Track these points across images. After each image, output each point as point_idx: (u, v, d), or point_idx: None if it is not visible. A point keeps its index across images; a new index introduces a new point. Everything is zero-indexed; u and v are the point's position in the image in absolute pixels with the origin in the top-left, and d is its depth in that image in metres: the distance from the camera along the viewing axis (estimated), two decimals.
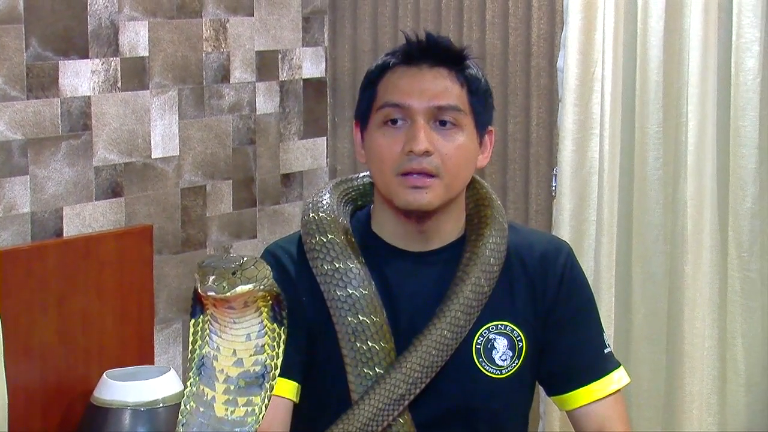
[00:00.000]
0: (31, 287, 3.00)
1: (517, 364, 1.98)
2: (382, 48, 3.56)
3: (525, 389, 2.03)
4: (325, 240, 1.93)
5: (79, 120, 3.15)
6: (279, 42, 3.64)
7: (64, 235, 3.13)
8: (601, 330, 2.06)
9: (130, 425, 2.97)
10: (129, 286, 3.22)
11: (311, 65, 3.74)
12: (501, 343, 1.97)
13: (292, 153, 3.71)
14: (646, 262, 3.15)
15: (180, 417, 1.57)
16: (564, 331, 2.01)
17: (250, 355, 1.56)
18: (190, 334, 1.58)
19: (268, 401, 1.58)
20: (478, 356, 1.95)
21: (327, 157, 3.82)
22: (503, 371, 1.97)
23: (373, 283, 1.92)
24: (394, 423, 1.89)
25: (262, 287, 1.54)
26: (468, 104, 1.92)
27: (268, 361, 1.56)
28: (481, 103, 1.95)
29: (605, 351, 2.04)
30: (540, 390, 2.13)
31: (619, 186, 3.12)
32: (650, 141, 3.11)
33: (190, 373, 1.57)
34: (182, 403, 1.57)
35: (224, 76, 3.49)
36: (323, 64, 3.78)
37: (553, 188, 3.17)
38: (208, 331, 1.56)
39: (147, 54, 3.29)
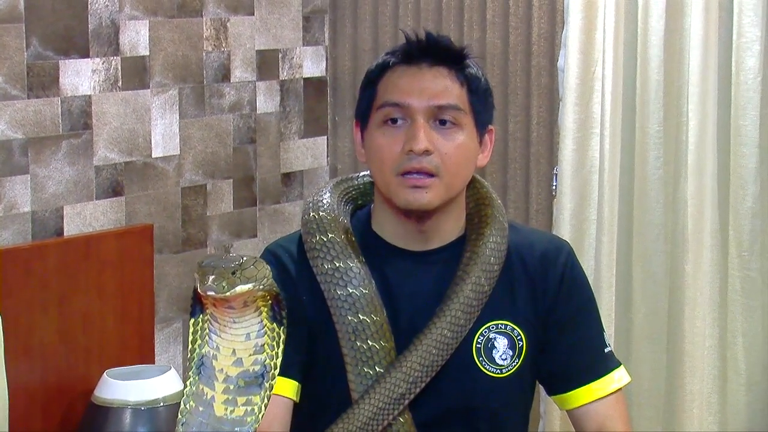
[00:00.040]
0: (32, 286, 3.00)
1: (517, 363, 1.97)
2: (382, 47, 3.56)
3: (525, 388, 2.03)
4: (325, 239, 1.93)
5: (80, 119, 3.15)
6: (279, 41, 3.64)
7: (65, 234, 3.13)
8: (601, 329, 2.06)
9: (130, 424, 2.97)
10: (129, 286, 3.22)
11: (312, 64, 3.74)
12: (501, 343, 1.97)
13: (293, 152, 3.71)
14: (646, 262, 3.15)
15: (179, 416, 1.57)
16: (564, 331, 2.01)
17: (250, 355, 1.56)
18: (190, 334, 1.58)
19: (268, 401, 1.58)
20: (479, 355, 1.95)
21: (327, 157, 3.82)
22: (503, 370, 1.97)
23: (373, 282, 1.92)
24: (394, 422, 1.89)
25: (261, 287, 1.54)
26: (468, 103, 1.92)
27: (268, 360, 1.56)
28: (481, 102, 1.95)
29: (605, 350, 2.04)
30: (540, 389, 2.13)
31: (619, 185, 3.12)
32: (651, 140, 3.11)
33: (190, 373, 1.57)
34: (182, 403, 1.57)
35: (225, 75, 3.49)
36: (324, 64, 3.78)
37: (554, 187, 3.17)
38: (207, 330, 1.56)
39: (147, 53, 3.29)
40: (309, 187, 3.73)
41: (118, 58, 3.22)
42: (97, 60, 3.17)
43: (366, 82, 1.97)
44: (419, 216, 1.94)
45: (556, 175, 3.13)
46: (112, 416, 2.98)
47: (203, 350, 1.56)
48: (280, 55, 3.65)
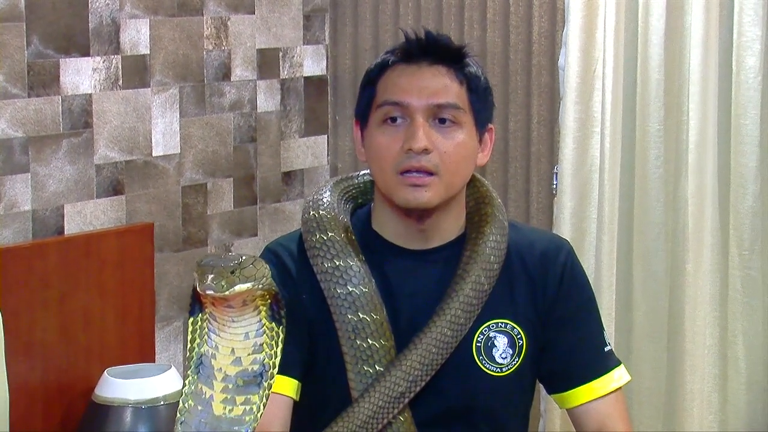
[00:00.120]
0: (32, 285, 3.00)
1: (517, 362, 1.98)
2: (382, 46, 3.56)
3: (525, 387, 2.03)
4: (325, 238, 1.93)
5: (80, 118, 3.15)
6: (280, 40, 3.64)
7: (65, 233, 3.13)
8: (601, 328, 2.06)
9: (131, 423, 2.97)
10: (130, 284, 3.22)
11: (312, 63, 3.74)
12: (501, 341, 1.97)
13: (293, 151, 3.71)
14: (647, 260, 3.15)
15: (178, 415, 1.57)
16: (564, 330, 2.01)
17: (249, 354, 1.56)
18: (189, 333, 1.58)
19: (266, 400, 1.58)
20: (479, 354, 1.95)
21: (328, 155, 3.82)
22: (503, 369, 1.97)
23: (373, 280, 1.92)
24: (394, 421, 1.89)
25: (260, 286, 1.54)
26: (467, 102, 1.92)
27: (267, 360, 1.56)
28: (480, 100, 1.95)
29: (605, 349, 2.04)
30: (540, 388, 2.13)
31: (620, 184, 3.12)
32: (651, 139, 3.11)
33: (189, 372, 1.57)
34: (180, 402, 1.58)
35: (225, 74, 3.49)
36: (324, 62, 3.78)
37: (554, 186, 3.17)
38: (206, 329, 1.56)
39: (148, 52, 3.29)
40: (309, 186, 3.73)
41: (119, 56, 3.22)
42: (98, 59, 3.17)
43: (366, 81, 1.97)
44: (419, 215, 1.94)
45: (557, 173, 3.13)
46: (112, 415, 2.98)
47: (202, 349, 1.56)
48: (280, 54, 3.65)
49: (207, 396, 1.56)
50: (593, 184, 3.09)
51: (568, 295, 2.01)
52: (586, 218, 3.10)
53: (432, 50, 1.93)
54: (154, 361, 3.30)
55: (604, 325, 2.08)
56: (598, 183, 3.08)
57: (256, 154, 3.60)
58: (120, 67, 3.22)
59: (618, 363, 2.04)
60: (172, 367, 3.11)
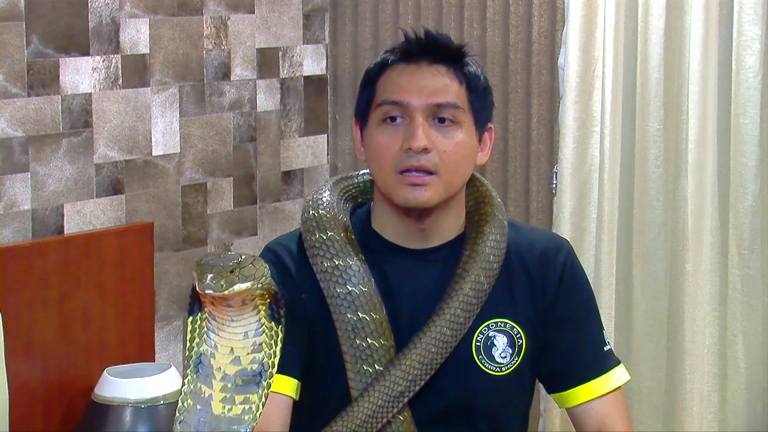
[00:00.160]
0: (32, 284, 3.00)
1: (516, 361, 1.98)
2: (382, 45, 3.56)
3: (525, 387, 2.03)
4: (324, 237, 1.93)
5: (80, 117, 3.15)
6: (280, 39, 3.64)
7: (65, 232, 3.13)
8: (601, 327, 2.06)
9: (131, 422, 2.97)
10: (130, 284, 3.22)
11: (312, 62, 3.74)
12: (501, 341, 1.97)
13: (293, 150, 3.71)
14: (646, 260, 3.15)
15: (177, 414, 1.57)
16: (564, 329, 2.01)
17: (248, 354, 1.56)
18: (188, 332, 1.58)
19: (266, 399, 1.58)
20: (478, 353, 1.95)
21: (328, 155, 3.82)
22: (503, 368, 1.97)
23: (372, 280, 1.92)
24: (393, 420, 1.89)
25: (260, 285, 1.54)
26: (467, 101, 1.92)
27: (266, 359, 1.56)
28: (480, 100, 1.95)
29: (605, 348, 2.04)
30: (540, 387, 2.13)
31: (619, 183, 3.12)
32: (651, 138, 3.11)
33: (188, 371, 1.58)
34: (179, 401, 1.58)
35: (225, 73, 3.50)
36: (324, 62, 3.78)
37: (554, 186, 3.17)
38: (205, 328, 1.56)
39: (148, 51, 3.29)
40: (309, 186, 3.73)
41: (119, 56, 3.22)
42: (98, 58, 3.17)
43: (365, 80, 1.97)
44: (419, 214, 1.94)
45: (556, 173, 3.14)
46: (112, 414, 2.98)
47: (201, 348, 1.56)
48: (280, 54, 3.65)
49: (206, 395, 1.56)
50: (593, 183, 3.09)
51: (567, 295, 2.01)
52: (585, 217, 3.10)
53: (431, 50, 1.93)
54: (153, 361, 3.30)
55: (604, 325, 2.08)
56: (597, 182, 3.09)
57: (255, 154, 3.60)
58: (120, 66, 3.22)
59: (617, 362, 2.04)
60: (172, 366, 3.11)
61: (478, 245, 1.95)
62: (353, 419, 1.85)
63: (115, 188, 3.24)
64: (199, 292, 1.52)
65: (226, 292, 1.50)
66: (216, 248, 3.51)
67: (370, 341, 1.88)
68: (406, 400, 1.89)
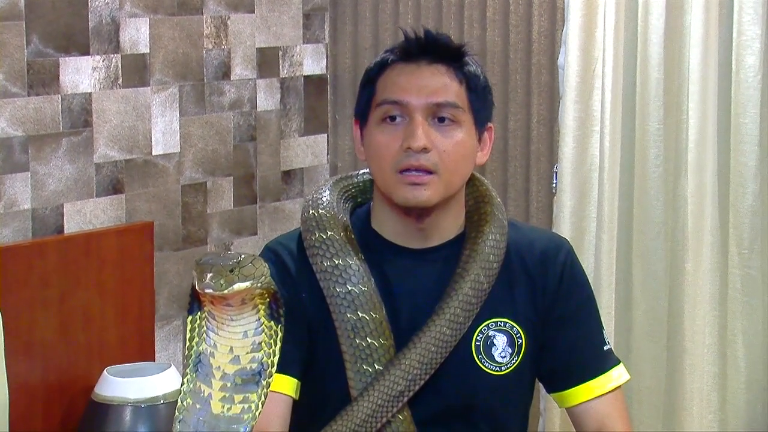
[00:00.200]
0: (32, 284, 3.00)
1: (516, 361, 1.98)
2: (382, 45, 3.56)
3: (524, 386, 2.03)
4: (324, 237, 1.93)
5: (80, 117, 3.15)
6: (280, 39, 3.64)
7: (65, 231, 3.13)
8: (600, 327, 2.06)
9: (130, 422, 2.97)
10: (130, 283, 3.22)
11: (312, 62, 3.74)
12: (500, 340, 1.97)
13: (293, 150, 3.71)
14: (646, 260, 3.15)
15: (177, 413, 1.58)
16: (564, 329, 2.01)
17: (247, 353, 1.56)
18: (188, 331, 1.58)
19: (265, 398, 1.58)
20: (478, 353, 1.95)
21: (327, 154, 3.82)
22: (502, 368, 1.97)
23: (372, 279, 1.92)
24: (393, 419, 1.89)
25: (259, 285, 1.54)
26: (467, 101, 1.92)
27: (265, 358, 1.56)
28: (480, 99, 1.95)
29: (605, 348, 2.04)
30: (540, 387, 2.13)
31: (619, 183, 3.12)
32: (651, 138, 3.11)
33: (187, 370, 1.58)
34: (179, 400, 1.58)
35: (225, 72, 3.50)
36: (324, 61, 3.78)
37: (554, 185, 3.17)
38: (205, 328, 1.56)
39: (148, 51, 3.29)
40: (309, 185, 3.73)
41: (119, 55, 3.22)
42: (98, 57, 3.17)
43: (365, 80, 1.97)
44: (418, 213, 1.94)
45: (556, 173, 3.14)
46: (112, 414, 2.98)
47: (201, 348, 1.56)
48: (280, 53, 3.65)
49: (205, 394, 1.56)
50: (593, 183, 3.09)
51: (567, 294, 2.02)
52: (585, 217, 3.10)
53: (431, 49, 1.93)
54: (153, 360, 3.30)
55: (604, 324, 2.08)
56: (597, 182, 3.09)
57: (255, 153, 3.60)
58: (120, 66, 3.22)
59: (617, 362, 2.04)
60: (172, 365, 3.11)
61: (478, 245, 1.95)
62: (353, 419, 1.85)
63: (115, 188, 3.24)
64: (199, 291, 1.52)
65: (226, 291, 1.50)
66: (216, 248, 3.51)
67: (369, 341, 1.88)
68: (405, 399, 1.89)
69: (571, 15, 3.06)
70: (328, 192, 2.00)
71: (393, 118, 1.91)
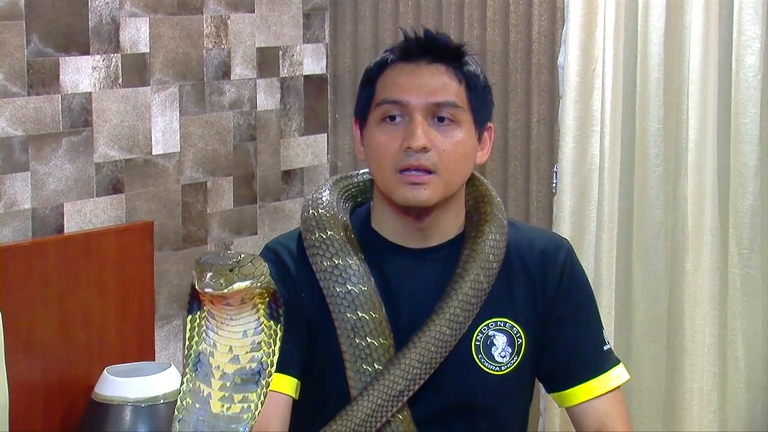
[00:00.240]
0: (32, 284, 3.00)
1: (516, 360, 1.98)
2: (382, 45, 3.56)
3: (524, 386, 2.03)
4: (324, 236, 1.93)
5: (80, 116, 3.15)
6: (280, 38, 3.64)
7: (65, 231, 3.13)
8: (600, 327, 2.06)
9: (130, 421, 2.97)
10: (130, 283, 3.22)
11: (312, 62, 3.74)
12: (500, 340, 1.97)
13: (293, 149, 3.71)
14: (646, 259, 3.15)
15: (176, 413, 1.57)
16: (563, 328, 2.01)
17: (247, 352, 1.56)
18: (187, 330, 1.58)
19: (264, 398, 1.58)
20: (478, 353, 1.95)
21: (328, 154, 3.82)
22: (502, 368, 1.97)
23: (372, 279, 1.92)
24: (393, 419, 1.89)
25: (259, 284, 1.54)
26: (466, 100, 1.92)
27: (264, 358, 1.56)
28: (479, 99, 1.95)
29: (605, 348, 2.04)
30: (540, 387, 2.13)
31: (619, 183, 3.13)
32: (651, 138, 3.11)
33: (187, 369, 1.57)
34: (178, 399, 1.58)
35: (225, 72, 3.50)
36: (324, 61, 3.78)
37: (554, 185, 3.17)
38: (204, 327, 1.56)
39: (148, 50, 3.29)
40: (309, 185, 3.73)
41: (119, 55, 3.22)
42: (98, 57, 3.17)
43: (365, 79, 1.97)
44: (418, 213, 1.94)
45: (556, 172, 3.14)
46: (112, 413, 2.98)
47: (200, 347, 1.56)
48: (280, 53, 3.65)
49: (205, 394, 1.56)
50: (593, 182, 3.09)
51: (567, 294, 2.01)
52: (585, 217, 3.10)
53: (431, 49, 1.93)
54: (153, 360, 3.30)
55: (604, 324, 2.08)
56: (597, 182, 3.09)
57: (255, 153, 3.60)
58: (120, 65, 3.22)
59: (617, 362, 2.04)
60: (172, 365, 3.11)
61: (478, 244, 1.95)
62: (353, 418, 1.85)
63: (115, 187, 3.24)
64: (199, 290, 1.52)
65: (226, 290, 1.50)
66: (216, 247, 3.51)
67: (369, 340, 1.88)
68: (405, 399, 1.89)
69: (571, 15, 3.06)
70: (328, 192, 2.00)
71: (393, 118, 1.91)
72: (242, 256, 1.53)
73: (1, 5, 2.96)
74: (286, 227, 3.57)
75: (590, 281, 2.11)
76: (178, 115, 3.38)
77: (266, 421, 1.86)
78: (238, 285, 1.51)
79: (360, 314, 1.89)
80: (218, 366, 1.55)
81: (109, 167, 3.22)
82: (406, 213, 1.94)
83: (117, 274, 3.19)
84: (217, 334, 1.55)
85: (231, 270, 1.50)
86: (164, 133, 3.35)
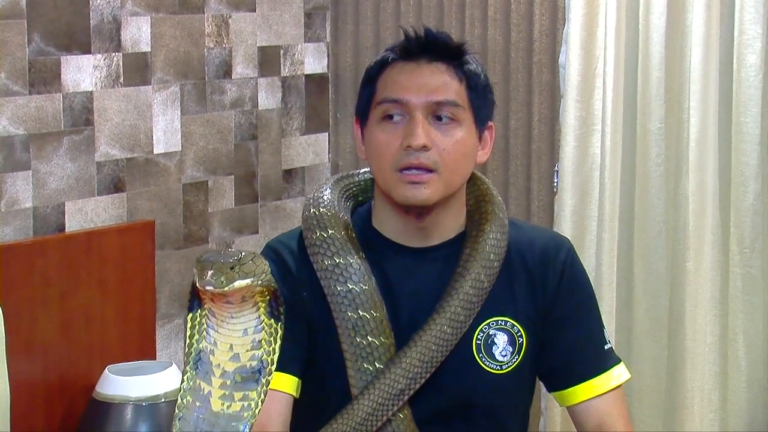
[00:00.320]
0: (33, 282, 3.00)
1: (517, 359, 1.98)
2: (383, 44, 3.56)
3: (525, 385, 2.03)
4: (325, 235, 1.93)
5: (81, 115, 3.15)
6: (281, 37, 3.64)
7: (66, 230, 3.14)
8: (601, 326, 2.06)
9: (131, 420, 2.97)
10: (131, 282, 3.22)
11: (313, 61, 3.74)
12: (501, 339, 1.97)
13: (294, 149, 3.72)
14: (647, 258, 3.15)
15: (177, 411, 1.58)
16: (564, 327, 2.01)
17: (247, 350, 1.56)
18: (188, 329, 1.58)
19: (265, 396, 1.58)
20: (478, 352, 1.95)
21: (329, 153, 3.82)
22: (503, 367, 1.97)
23: (373, 278, 1.92)
24: (393, 418, 1.89)
25: (260, 282, 1.54)
26: (467, 99, 1.92)
27: (265, 356, 1.56)
28: (480, 98, 1.95)
29: (605, 347, 2.04)
30: (541, 386, 2.14)
31: (620, 182, 3.12)
32: (652, 137, 3.11)
33: (187, 368, 1.58)
34: (179, 398, 1.58)
35: (226, 71, 3.50)
36: (325, 60, 3.78)
37: (555, 184, 3.17)
38: (205, 325, 1.56)
39: (149, 49, 3.29)
40: (310, 184, 3.73)
41: (120, 54, 3.22)
42: (99, 56, 3.17)
43: (365, 78, 1.97)
44: (419, 212, 1.94)
45: (557, 172, 3.14)
46: (113, 412, 2.98)
47: (201, 345, 1.56)
48: (281, 52, 3.65)
49: (205, 392, 1.56)
50: (594, 182, 3.09)
51: (568, 293, 2.01)
52: (586, 216, 3.11)
53: (431, 47, 1.93)
54: (155, 359, 3.30)
55: (605, 323, 2.08)
56: (598, 181, 3.09)
57: (257, 152, 3.60)
58: (121, 64, 3.22)
59: (618, 361, 2.04)
60: (173, 364, 3.11)
61: (479, 243, 1.95)
62: (353, 417, 1.85)
63: (116, 186, 3.24)
64: (199, 288, 1.52)
65: (226, 288, 1.50)
66: (217, 246, 3.51)
67: (370, 339, 1.88)
68: (406, 398, 1.89)
69: (572, 14, 3.06)
70: (329, 191, 2.00)
71: (393, 117, 1.91)
72: (243, 254, 1.53)
73: (3, 4, 2.96)
74: (287, 226, 3.57)
75: (591, 280, 2.11)
76: (179, 114, 3.38)
77: (266, 420, 1.86)
78: (239, 283, 1.51)
79: (361, 313, 1.89)
80: (219, 364, 1.55)
81: (110, 166, 3.22)
82: (406, 212, 1.94)
83: (118, 273, 3.19)
84: (218, 332, 1.55)
85: (232, 268, 1.51)
86: (165, 132, 3.35)
